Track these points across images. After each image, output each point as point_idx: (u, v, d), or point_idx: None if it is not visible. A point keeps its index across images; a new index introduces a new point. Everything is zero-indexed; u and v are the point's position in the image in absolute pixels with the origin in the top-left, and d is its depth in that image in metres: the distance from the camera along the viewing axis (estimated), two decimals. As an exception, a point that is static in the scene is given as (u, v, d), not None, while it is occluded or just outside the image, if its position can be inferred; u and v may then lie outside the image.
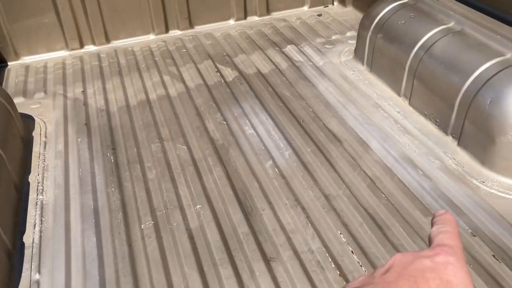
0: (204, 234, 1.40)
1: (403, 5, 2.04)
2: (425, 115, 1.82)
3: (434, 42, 1.79)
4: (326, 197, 1.50)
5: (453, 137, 1.69)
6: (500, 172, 1.52)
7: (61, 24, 2.44)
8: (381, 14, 2.07)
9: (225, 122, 1.88)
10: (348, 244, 1.34)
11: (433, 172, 1.57)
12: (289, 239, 1.36)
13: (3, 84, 2.26)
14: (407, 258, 0.44)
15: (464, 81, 1.61)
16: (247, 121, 1.88)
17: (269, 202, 1.49)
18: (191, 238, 1.39)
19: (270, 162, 1.66)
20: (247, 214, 1.46)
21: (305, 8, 2.87)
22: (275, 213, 1.45)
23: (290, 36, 2.55)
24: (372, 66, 2.12)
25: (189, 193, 1.55)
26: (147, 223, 1.45)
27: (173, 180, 1.61)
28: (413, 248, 1.32)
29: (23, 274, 1.30)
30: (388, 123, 1.82)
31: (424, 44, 1.82)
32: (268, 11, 2.80)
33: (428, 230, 0.50)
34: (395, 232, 1.36)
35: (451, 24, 1.82)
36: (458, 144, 1.66)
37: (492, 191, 1.48)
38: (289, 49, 2.42)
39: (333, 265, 1.28)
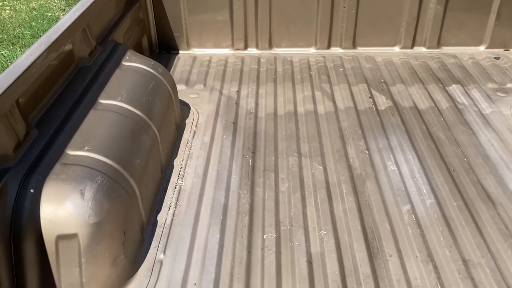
0: (324, 262, 1.35)
1: None
2: None
3: None
4: (465, 262, 1.34)
5: None
6: None
7: (232, 24, 2.58)
8: None
9: (367, 152, 1.80)
10: (480, 323, 1.18)
11: None
12: (412, 296, 1.25)
13: (171, 70, 2.47)
14: None
15: None
16: (391, 156, 1.78)
17: (398, 250, 1.38)
18: (309, 262, 1.35)
19: (408, 206, 1.54)
20: (372, 255, 1.37)
21: (482, 48, 2.63)
22: (402, 263, 1.34)
23: (458, 75, 2.36)
24: (551, 127, 1.85)
25: (317, 216, 1.51)
26: (269, 234, 1.45)
27: (303, 198, 1.59)
28: None
29: (150, 250, 1.39)
30: (558, 197, 1.56)
31: None
32: (439, 45, 2.63)
33: None
34: (542, 327, 1.16)
35: None
36: None
37: None
38: (454, 88, 2.24)
39: None
